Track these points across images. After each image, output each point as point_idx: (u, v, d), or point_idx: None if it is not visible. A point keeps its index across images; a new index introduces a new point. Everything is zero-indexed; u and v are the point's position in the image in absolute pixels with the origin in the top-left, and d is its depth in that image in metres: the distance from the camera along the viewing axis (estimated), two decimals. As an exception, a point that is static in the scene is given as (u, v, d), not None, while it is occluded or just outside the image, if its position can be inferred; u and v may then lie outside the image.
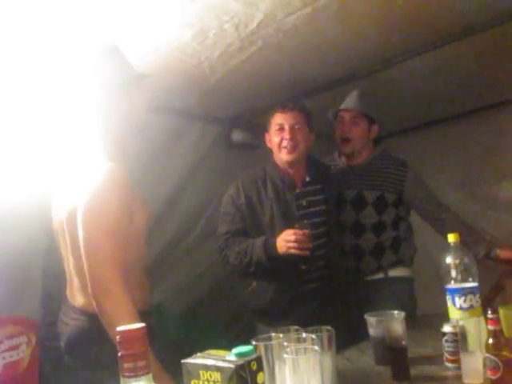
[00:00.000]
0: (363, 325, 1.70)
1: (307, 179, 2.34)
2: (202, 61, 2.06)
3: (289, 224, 2.16)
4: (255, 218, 2.26)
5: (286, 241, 2.07)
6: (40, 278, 2.21)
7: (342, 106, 2.48)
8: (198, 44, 1.90)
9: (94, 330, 1.53)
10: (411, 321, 2.13)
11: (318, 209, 2.31)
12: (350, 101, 2.47)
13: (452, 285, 1.66)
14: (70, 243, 1.64)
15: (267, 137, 2.35)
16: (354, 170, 2.52)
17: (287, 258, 2.10)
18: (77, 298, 1.65)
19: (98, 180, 1.56)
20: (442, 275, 1.68)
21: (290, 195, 2.28)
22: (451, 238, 1.71)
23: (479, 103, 3.26)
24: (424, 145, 3.66)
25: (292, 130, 2.23)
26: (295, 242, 2.05)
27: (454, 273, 1.67)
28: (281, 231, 2.13)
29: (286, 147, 2.24)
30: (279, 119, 2.26)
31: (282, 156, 2.26)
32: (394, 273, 2.48)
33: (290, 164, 2.28)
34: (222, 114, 2.92)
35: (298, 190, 2.31)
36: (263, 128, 2.39)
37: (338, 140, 2.51)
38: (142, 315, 1.45)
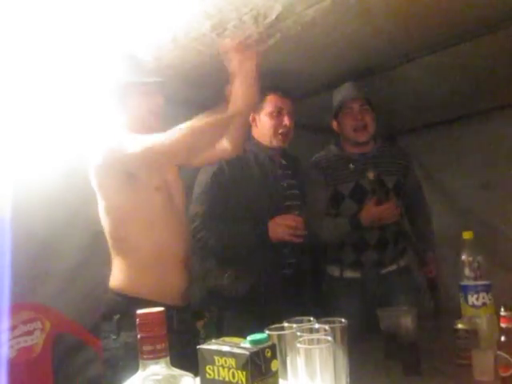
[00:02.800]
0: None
1: (283, 162, 2.31)
2: (220, 52, 2.07)
3: (275, 205, 2.11)
4: (239, 198, 2.12)
5: (286, 226, 2.02)
6: (56, 266, 2.24)
7: (348, 97, 2.39)
8: (216, 35, 1.90)
9: (113, 305, 1.68)
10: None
11: (294, 192, 2.28)
12: (353, 91, 2.40)
13: (465, 282, 1.66)
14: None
15: (252, 115, 2.25)
16: (368, 158, 2.43)
17: (273, 244, 2.06)
18: (111, 276, 1.74)
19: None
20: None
21: (276, 175, 2.23)
22: (466, 235, 1.71)
23: (501, 101, 3.21)
24: (442, 143, 3.62)
25: (290, 116, 2.21)
26: (295, 228, 2.02)
27: (467, 270, 1.67)
28: (268, 212, 2.08)
29: (283, 133, 2.20)
30: (278, 102, 2.21)
31: (275, 141, 2.22)
32: (402, 262, 2.47)
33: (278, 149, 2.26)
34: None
35: (280, 171, 2.27)
36: None
37: (350, 132, 2.40)
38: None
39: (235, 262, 2.13)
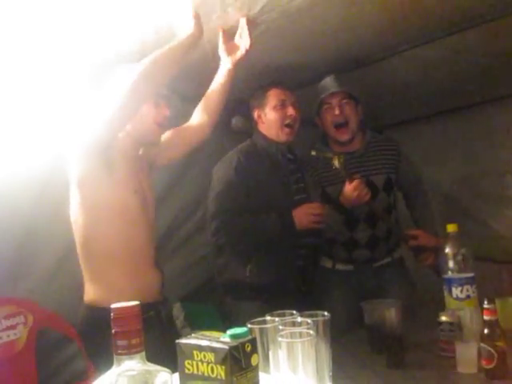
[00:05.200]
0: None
1: (290, 157, 2.35)
2: (204, 43, 2.04)
3: (288, 199, 2.18)
4: (258, 193, 2.18)
5: (313, 214, 2.10)
6: (39, 259, 2.21)
7: (327, 92, 2.33)
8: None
9: (97, 322, 1.56)
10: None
11: (300, 186, 2.33)
12: (332, 84, 2.34)
13: (449, 275, 1.66)
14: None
15: (257, 112, 2.30)
16: (355, 157, 2.38)
17: (300, 233, 2.14)
18: (84, 292, 1.70)
19: None
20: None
21: (288, 169, 2.29)
22: (450, 227, 1.71)
23: (484, 96, 3.20)
24: (425, 137, 3.63)
25: (294, 107, 2.24)
26: (320, 215, 2.09)
27: (451, 263, 1.67)
28: (285, 205, 2.14)
29: (289, 125, 2.23)
30: (281, 95, 2.24)
31: (282, 136, 2.25)
32: (396, 254, 2.46)
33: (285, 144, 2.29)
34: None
35: (289, 166, 2.32)
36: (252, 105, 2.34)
37: (331, 129, 2.35)
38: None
39: (255, 254, 2.19)
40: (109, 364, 1.50)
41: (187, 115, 2.73)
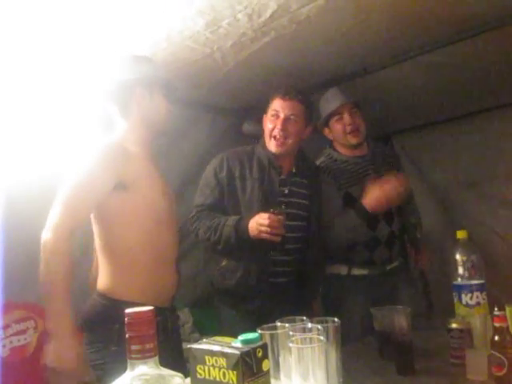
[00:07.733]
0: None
1: (293, 170, 2.27)
2: (214, 50, 2.06)
3: (268, 208, 2.06)
4: (234, 195, 2.15)
5: (259, 224, 1.99)
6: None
7: (339, 103, 2.40)
8: (210, 33, 1.90)
9: (107, 311, 1.60)
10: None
11: (299, 201, 2.23)
12: (341, 95, 2.42)
13: (459, 281, 1.66)
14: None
15: (264, 119, 2.26)
16: (366, 160, 2.48)
17: (257, 242, 2.04)
18: (98, 281, 1.69)
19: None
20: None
21: (275, 179, 2.20)
22: (460, 234, 1.70)
23: (492, 102, 3.21)
24: (434, 143, 3.64)
25: (286, 120, 2.14)
26: (268, 226, 1.97)
27: (461, 269, 1.66)
28: (258, 213, 2.04)
29: (275, 137, 2.16)
30: (277, 106, 2.17)
31: (270, 146, 2.18)
32: (401, 258, 2.50)
33: (276, 155, 2.22)
34: (233, 105, 2.92)
35: (282, 177, 2.23)
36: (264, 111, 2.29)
37: (344, 135, 2.42)
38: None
39: (224, 255, 2.18)
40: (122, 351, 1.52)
41: (190, 119, 2.76)
